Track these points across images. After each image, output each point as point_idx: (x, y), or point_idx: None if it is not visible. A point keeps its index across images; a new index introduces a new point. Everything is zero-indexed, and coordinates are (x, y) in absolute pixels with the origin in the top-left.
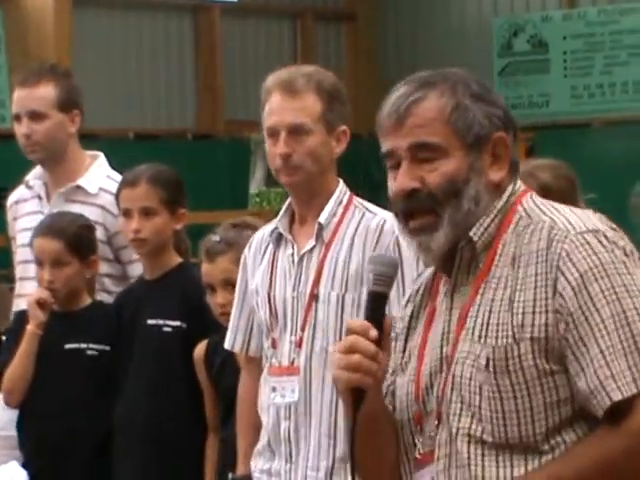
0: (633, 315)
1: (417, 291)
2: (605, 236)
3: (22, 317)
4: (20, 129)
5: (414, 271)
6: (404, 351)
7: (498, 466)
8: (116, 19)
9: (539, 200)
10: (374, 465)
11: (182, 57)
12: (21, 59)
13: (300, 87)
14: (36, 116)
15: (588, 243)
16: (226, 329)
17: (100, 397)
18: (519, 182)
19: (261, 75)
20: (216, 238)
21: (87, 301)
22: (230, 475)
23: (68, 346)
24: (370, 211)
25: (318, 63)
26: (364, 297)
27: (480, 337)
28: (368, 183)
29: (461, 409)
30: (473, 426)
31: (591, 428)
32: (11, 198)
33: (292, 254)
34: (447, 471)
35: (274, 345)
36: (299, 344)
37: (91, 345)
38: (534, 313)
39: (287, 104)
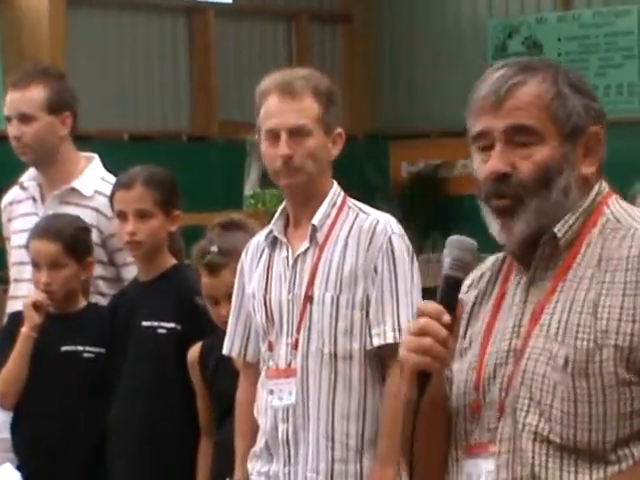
0: None
1: (481, 277)
2: None
3: (16, 319)
4: (11, 131)
5: (407, 271)
6: (465, 337)
7: (562, 470)
8: (110, 20)
9: (624, 204)
10: (428, 457)
11: (176, 58)
12: (15, 60)
13: (298, 89)
14: (25, 118)
15: None
16: (220, 331)
17: (96, 399)
18: (604, 182)
19: (256, 76)
20: (214, 249)
21: (82, 303)
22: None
23: (65, 348)
24: (364, 212)
25: (313, 64)
26: (359, 297)
27: (557, 335)
28: (363, 184)
29: (529, 405)
30: (541, 424)
31: None
32: (5, 199)
33: (287, 256)
34: (510, 467)
35: (270, 348)
36: (295, 346)
37: (87, 347)
38: (620, 321)
39: (287, 106)
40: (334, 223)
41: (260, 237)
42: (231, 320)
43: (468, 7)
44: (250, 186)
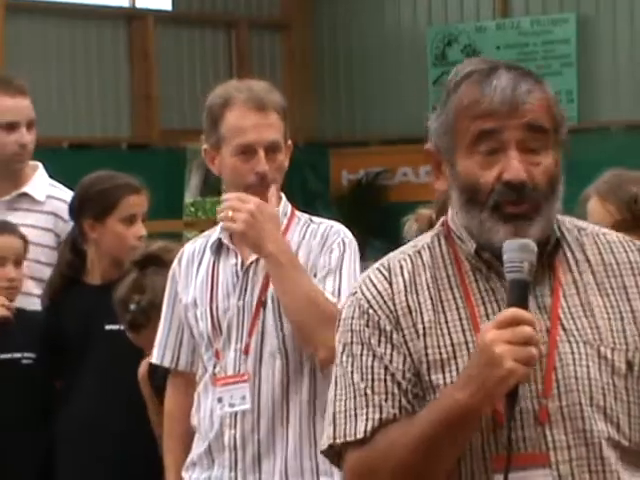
0: None
1: (414, 281)
2: None
3: None
4: (16, 137)
5: (353, 262)
6: (439, 346)
7: (633, 473)
8: (50, 26)
9: None
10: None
11: (116, 65)
12: None
13: (267, 103)
14: (32, 126)
15: None
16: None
17: (38, 404)
18: None
19: (196, 84)
20: (133, 307)
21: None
22: None
23: (2, 357)
24: (314, 222)
25: (253, 72)
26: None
27: (599, 340)
28: (303, 192)
29: (593, 412)
30: (610, 430)
31: None
32: None
33: (236, 264)
34: (578, 476)
35: (217, 356)
36: (246, 351)
37: (25, 354)
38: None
39: (259, 121)
40: (285, 231)
41: (196, 245)
42: (162, 328)
43: (408, 15)
44: (190, 194)
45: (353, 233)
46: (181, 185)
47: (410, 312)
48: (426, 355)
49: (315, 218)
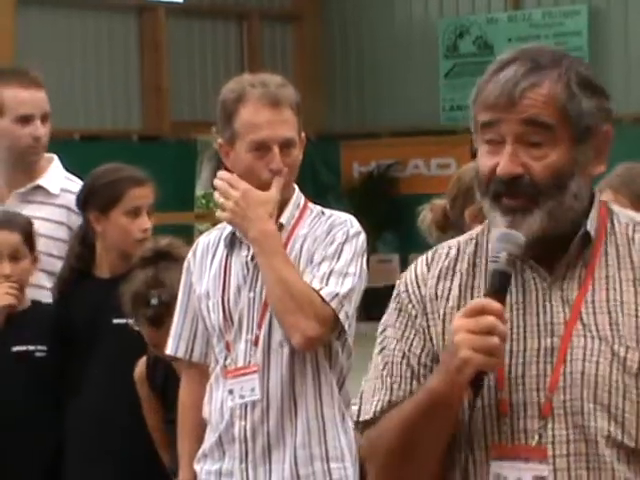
0: None
1: (450, 268)
2: None
3: None
4: (30, 130)
5: (356, 254)
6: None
7: (637, 474)
8: (60, 19)
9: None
10: (428, 451)
11: (127, 57)
12: None
13: (281, 100)
14: (46, 119)
15: None
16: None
17: (50, 397)
18: None
19: (207, 76)
20: (154, 302)
21: (28, 301)
22: None
23: (16, 349)
24: (325, 214)
25: (264, 64)
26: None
27: (615, 337)
28: (315, 185)
29: (595, 409)
30: (612, 428)
31: None
32: None
33: (246, 255)
34: (574, 471)
35: (228, 348)
36: (255, 342)
37: (39, 347)
38: None
39: (274, 117)
40: (297, 223)
41: (210, 237)
42: (176, 320)
43: (419, 7)
44: (202, 186)
45: (364, 225)
46: (192, 177)
47: (437, 298)
48: (443, 340)
49: (327, 210)
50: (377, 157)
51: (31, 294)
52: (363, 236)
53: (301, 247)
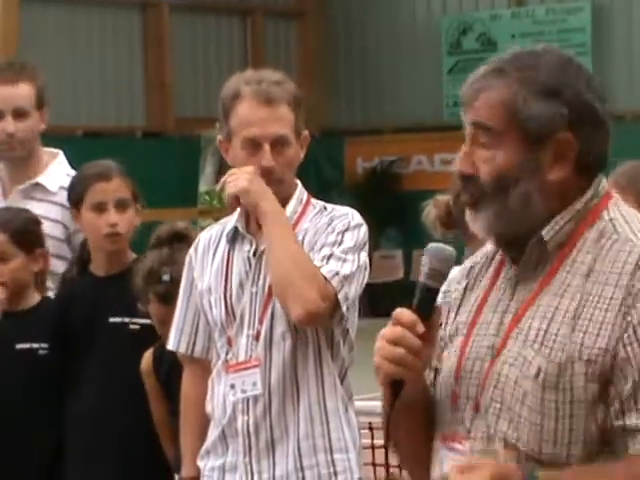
0: None
1: (471, 268)
2: None
3: None
4: (3, 126)
5: (357, 244)
6: (453, 323)
7: None
8: (64, 15)
9: (625, 209)
10: (410, 446)
11: (131, 54)
12: None
13: (275, 97)
14: (21, 114)
15: None
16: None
17: (51, 396)
18: (603, 184)
19: (211, 72)
20: (166, 278)
21: (36, 298)
22: (177, 476)
23: (19, 346)
24: (327, 209)
25: (268, 60)
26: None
27: (534, 343)
28: (319, 180)
29: (500, 410)
30: (509, 432)
31: (619, 453)
32: None
33: (249, 250)
34: None
35: (230, 343)
36: (257, 337)
37: (42, 344)
38: (597, 336)
39: (266, 114)
40: (300, 219)
41: (212, 232)
42: (178, 315)
43: (422, 4)
44: (205, 182)
45: (367, 221)
46: (196, 173)
47: (462, 292)
48: (446, 331)
49: (330, 205)
50: (381, 153)
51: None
52: (365, 228)
53: (303, 239)
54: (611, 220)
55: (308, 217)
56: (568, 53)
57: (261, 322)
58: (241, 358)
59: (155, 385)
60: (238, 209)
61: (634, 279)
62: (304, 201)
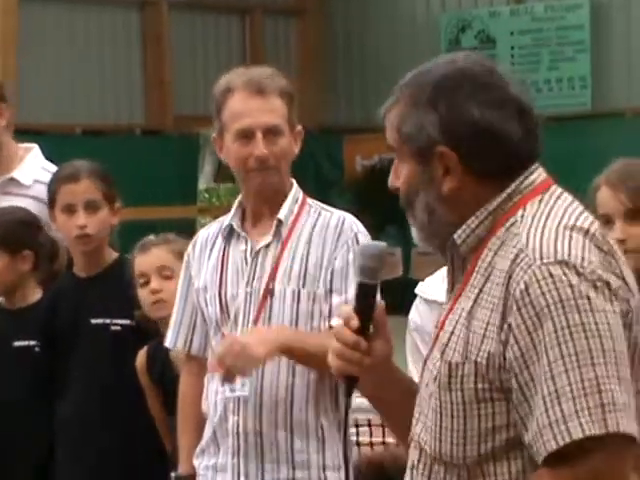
0: (586, 357)
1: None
2: (575, 267)
3: None
4: None
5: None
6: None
7: None
8: (63, 14)
9: (547, 205)
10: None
11: (130, 52)
12: None
13: (267, 88)
14: None
15: (551, 276)
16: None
17: (44, 396)
18: (528, 183)
19: (210, 70)
20: (151, 237)
21: (36, 297)
22: (173, 474)
23: (17, 344)
24: (325, 210)
25: (267, 58)
26: (320, 291)
27: (443, 345)
28: (318, 179)
29: (420, 414)
30: (421, 434)
31: (527, 459)
32: None
33: (245, 250)
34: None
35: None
36: None
37: (38, 342)
38: (484, 337)
39: (258, 105)
40: (296, 219)
41: (210, 230)
42: (176, 312)
43: (421, 1)
44: (204, 180)
45: (367, 219)
46: (195, 171)
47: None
48: None
49: (326, 207)
50: (380, 151)
51: None
52: (368, 237)
53: (308, 249)
54: (522, 217)
55: (305, 220)
56: (468, 62)
57: (255, 323)
58: None
59: (149, 383)
60: (235, 203)
61: (512, 278)
62: (300, 201)
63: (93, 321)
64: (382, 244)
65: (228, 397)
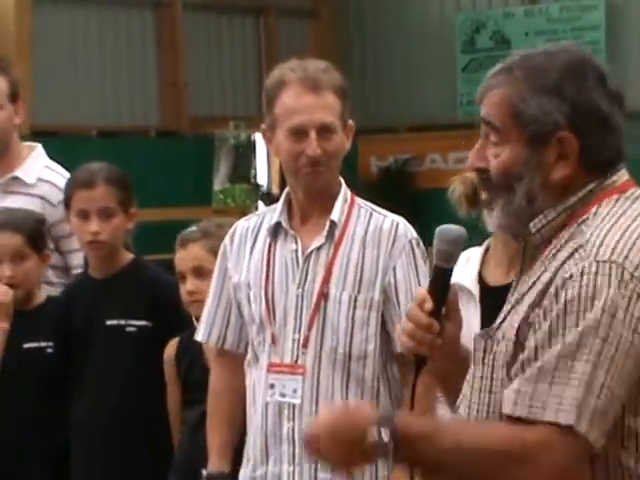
0: (582, 354)
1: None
2: (623, 272)
3: None
4: None
5: (424, 278)
6: None
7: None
8: (77, 15)
9: (625, 206)
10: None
11: (144, 53)
12: None
13: (322, 84)
14: None
15: (596, 273)
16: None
17: (58, 397)
18: (614, 179)
19: (224, 71)
20: (192, 228)
21: (42, 298)
22: (204, 471)
23: (27, 345)
24: (377, 212)
25: (281, 60)
26: (377, 298)
27: (496, 326)
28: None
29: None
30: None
31: None
32: None
33: (296, 250)
34: None
35: (274, 341)
36: (305, 344)
37: (50, 343)
38: (522, 319)
39: (313, 101)
40: (347, 220)
41: (250, 222)
42: (209, 306)
43: (435, 2)
44: (219, 181)
45: None
46: (210, 172)
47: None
48: None
49: (376, 207)
50: (395, 152)
51: None
52: (421, 242)
53: (362, 252)
54: (594, 214)
55: (357, 222)
56: (582, 52)
57: (310, 329)
58: (286, 361)
59: (174, 375)
60: (281, 200)
61: (563, 267)
62: (349, 200)
63: (108, 322)
64: (461, 229)
65: (281, 402)
